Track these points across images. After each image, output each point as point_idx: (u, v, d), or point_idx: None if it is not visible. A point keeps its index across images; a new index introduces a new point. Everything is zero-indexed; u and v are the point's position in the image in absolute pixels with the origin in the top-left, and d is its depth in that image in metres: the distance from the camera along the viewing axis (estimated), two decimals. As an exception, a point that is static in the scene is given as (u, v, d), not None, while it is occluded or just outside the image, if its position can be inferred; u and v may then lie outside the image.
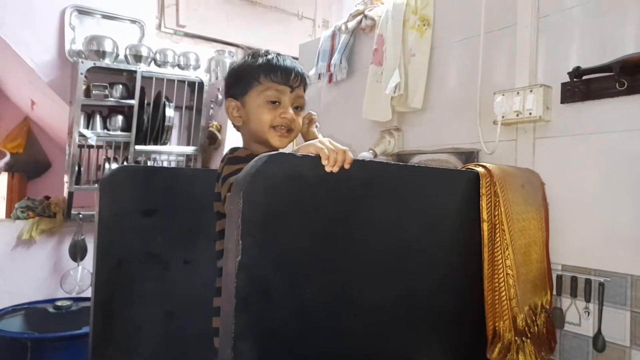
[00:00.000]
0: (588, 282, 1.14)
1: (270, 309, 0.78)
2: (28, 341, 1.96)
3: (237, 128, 1.15)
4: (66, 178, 2.59)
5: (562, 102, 1.20)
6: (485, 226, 1.09)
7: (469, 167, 1.14)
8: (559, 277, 1.20)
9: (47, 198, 2.77)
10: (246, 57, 1.12)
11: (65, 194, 2.59)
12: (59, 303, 2.38)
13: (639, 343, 1.05)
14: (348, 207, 0.89)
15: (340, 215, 0.88)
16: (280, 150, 0.96)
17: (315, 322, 0.84)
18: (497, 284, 1.08)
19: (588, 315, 1.13)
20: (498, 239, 1.09)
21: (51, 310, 2.35)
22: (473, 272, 1.10)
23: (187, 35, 3.09)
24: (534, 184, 1.22)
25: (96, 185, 2.51)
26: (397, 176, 0.99)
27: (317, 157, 0.83)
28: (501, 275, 1.08)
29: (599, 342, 1.10)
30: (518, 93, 1.24)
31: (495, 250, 1.09)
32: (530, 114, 1.22)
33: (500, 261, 1.08)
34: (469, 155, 1.43)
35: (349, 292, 0.89)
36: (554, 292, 1.20)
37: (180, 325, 1.52)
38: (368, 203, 0.92)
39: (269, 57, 1.09)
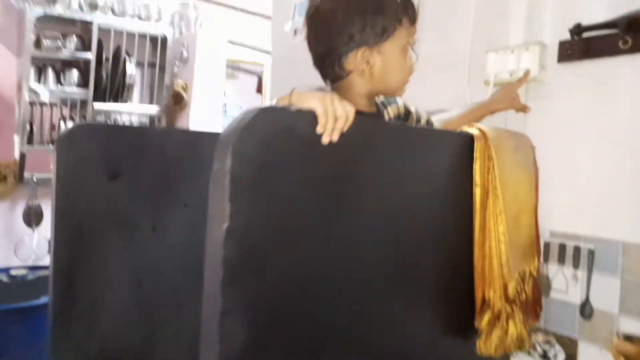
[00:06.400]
0: (577, 249, 1.12)
1: (264, 280, 0.71)
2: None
3: (346, 82, 0.92)
4: (17, 138, 2.39)
5: (559, 61, 1.14)
6: (478, 191, 1.04)
7: (463, 128, 1.08)
8: (547, 244, 1.17)
9: (-4, 160, 2.56)
10: None
11: (17, 155, 2.39)
12: (13, 272, 2.23)
13: (627, 310, 1.04)
14: (345, 168, 0.81)
15: (337, 176, 0.80)
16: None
17: (310, 291, 0.77)
18: (488, 251, 1.05)
19: (576, 282, 1.12)
20: (490, 204, 1.05)
21: (5, 279, 2.20)
22: (464, 238, 1.06)
23: (148, -16, 2.86)
24: (526, 148, 1.18)
25: (51, 145, 2.34)
26: (393, 136, 0.91)
27: (313, 114, 0.74)
28: (493, 241, 1.04)
29: (586, 309, 1.08)
30: (512, 51, 1.18)
31: (487, 215, 1.05)
32: (525, 73, 1.16)
33: (492, 227, 1.04)
34: (456, 118, 1.37)
35: (346, 260, 0.82)
36: (542, 259, 1.17)
37: (149, 295, 1.43)
38: (364, 164, 0.85)
39: None
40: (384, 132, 0.90)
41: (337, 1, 0.87)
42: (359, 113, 0.97)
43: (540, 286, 1.16)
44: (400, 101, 1.07)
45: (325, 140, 0.72)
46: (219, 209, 0.67)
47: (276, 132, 0.71)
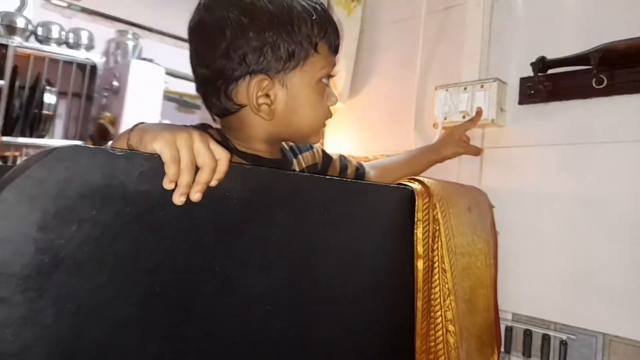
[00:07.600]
0: (546, 338, 0.87)
1: None
2: None
3: (237, 119, 0.66)
4: None
5: (520, 103, 0.94)
6: (420, 264, 0.79)
7: (402, 182, 0.84)
8: (509, 329, 0.93)
9: None
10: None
11: None
12: None
13: None
14: (216, 240, 0.55)
15: (200, 255, 0.53)
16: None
17: None
18: (433, 345, 0.79)
19: (546, 382, 0.87)
20: (437, 282, 0.80)
21: None
22: (402, 327, 0.80)
23: (84, 10, 2.62)
24: (482, 207, 0.95)
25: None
26: (297, 192, 0.66)
27: (158, 159, 0.48)
28: (439, 332, 0.79)
29: (559, 420, 0.83)
30: (465, 89, 0.97)
31: (433, 297, 0.80)
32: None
33: (438, 313, 0.79)
34: (401, 167, 1.14)
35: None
36: (502, 349, 0.93)
37: None
38: (250, 234, 0.58)
39: (321, 6, 0.66)
40: (286, 187, 0.65)
41: (228, 9, 0.63)
42: (258, 160, 0.73)
43: (501, 385, 0.91)
44: (317, 147, 0.83)
45: (177, 200, 0.46)
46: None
47: (79, 191, 0.44)
